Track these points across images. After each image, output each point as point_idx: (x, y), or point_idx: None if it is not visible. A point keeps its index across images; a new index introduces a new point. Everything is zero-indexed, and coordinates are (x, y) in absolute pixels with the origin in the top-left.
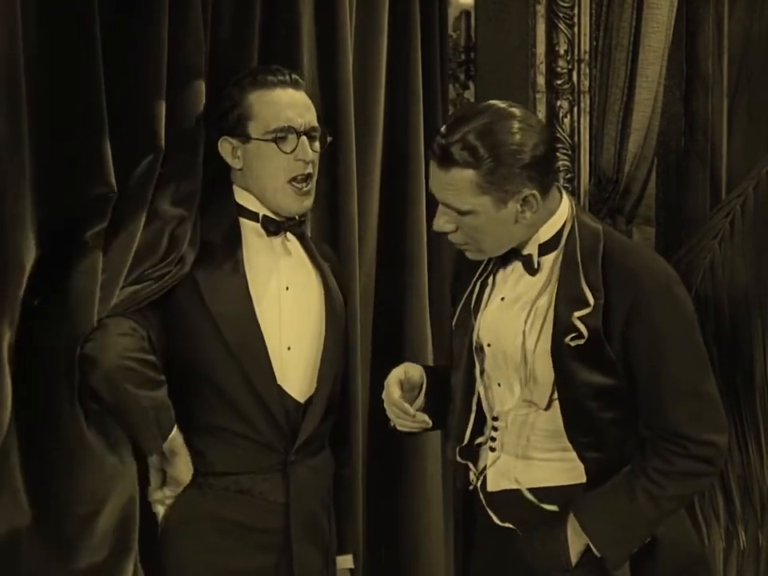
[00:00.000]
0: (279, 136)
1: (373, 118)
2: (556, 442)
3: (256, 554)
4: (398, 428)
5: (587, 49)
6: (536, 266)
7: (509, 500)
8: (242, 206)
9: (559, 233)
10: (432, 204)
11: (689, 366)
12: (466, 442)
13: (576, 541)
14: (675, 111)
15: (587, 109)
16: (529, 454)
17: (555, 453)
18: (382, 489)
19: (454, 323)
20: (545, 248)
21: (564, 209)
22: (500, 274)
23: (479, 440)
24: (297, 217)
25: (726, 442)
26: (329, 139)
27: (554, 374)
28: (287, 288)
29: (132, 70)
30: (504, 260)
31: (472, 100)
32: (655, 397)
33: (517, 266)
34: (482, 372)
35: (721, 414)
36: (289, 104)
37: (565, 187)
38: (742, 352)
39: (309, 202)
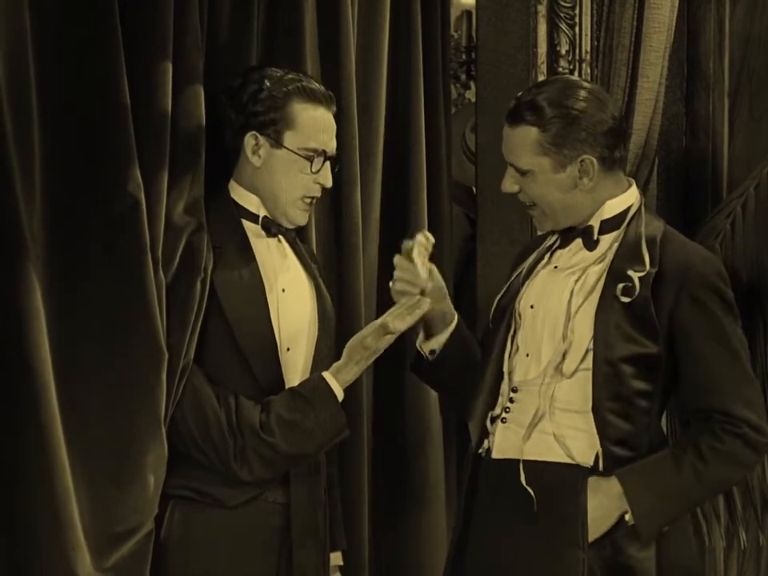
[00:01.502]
0: (315, 158)
1: (375, 117)
2: (570, 419)
3: (258, 556)
4: (396, 286)
5: (588, 49)
6: (595, 237)
7: (530, 469)
8: (241, 207)
9: (624, 213)
10: (433, 205)
11: (744, 353)
12: (497, 406)
13: (606, 510)
14: (676, 111)
15: None
16: (541, 427)
17: (568, 430)
18: (385, 489)
19: (497, 300)
20: (607, 225)
21: (632, 195)
22: (557, 252)
23: (494, 413)
24: None
25: None
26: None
27: (592, 337)
28: (283, 290)
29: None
30: (565, 240)
31: (473, 100)
32: (713, 376)
33: (576, 243)
34: (512, 342)
35: (765, 407)
36: (327, 127)
37: None
38: None
39: (307, 217)
